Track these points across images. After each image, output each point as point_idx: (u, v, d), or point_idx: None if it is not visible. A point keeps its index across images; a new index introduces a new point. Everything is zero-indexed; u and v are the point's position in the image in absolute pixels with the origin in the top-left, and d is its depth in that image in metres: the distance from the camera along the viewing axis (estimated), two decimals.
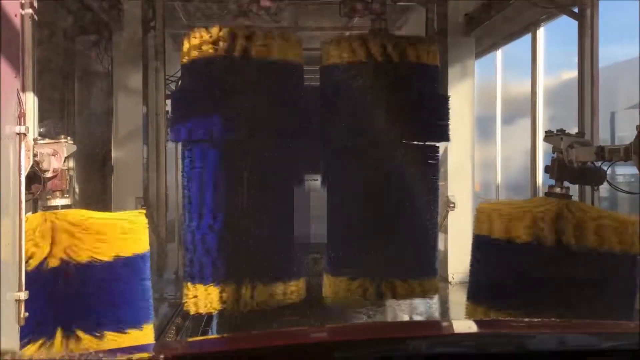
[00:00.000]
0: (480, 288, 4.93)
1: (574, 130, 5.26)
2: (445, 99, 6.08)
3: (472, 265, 5.07)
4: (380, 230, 5.67)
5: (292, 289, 5.68)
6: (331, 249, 5.96)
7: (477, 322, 2.93)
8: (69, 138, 4.39)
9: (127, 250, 4.16)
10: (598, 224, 4.40)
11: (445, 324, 3.66)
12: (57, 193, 4.29)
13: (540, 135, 7.88)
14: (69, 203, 4.35)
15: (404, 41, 5.74)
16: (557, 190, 4.66)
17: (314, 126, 5.82)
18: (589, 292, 4.29)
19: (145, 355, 1.72)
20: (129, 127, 7.66)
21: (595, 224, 4.40)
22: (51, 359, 1.56)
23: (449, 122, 5.92)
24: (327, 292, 5.91)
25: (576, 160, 4.61)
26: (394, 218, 5.67)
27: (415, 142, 5.91)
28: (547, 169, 4.84)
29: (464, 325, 2.71)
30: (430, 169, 5.91)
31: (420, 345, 1.54)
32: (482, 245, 4.87)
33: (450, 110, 5.99)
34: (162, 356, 1.67)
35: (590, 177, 4.73)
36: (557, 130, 4.75)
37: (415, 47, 5.69)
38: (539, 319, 2.06)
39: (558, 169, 4.69)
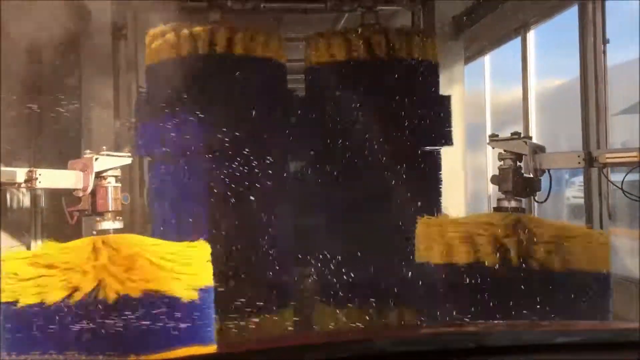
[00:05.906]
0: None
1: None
2: (447, 99, 5.64)
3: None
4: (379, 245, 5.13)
5: (274, 322, 5.08)
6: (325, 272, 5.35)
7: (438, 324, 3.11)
8: (124, 150, 3.94)
9: (189, 285, 3.48)
10: (563, 239, 3.90)
11: (410, 327, 3.72)
12: (108, 215, 3.72)
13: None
14: (121, 227, 3.77)
15: (402, 35, 5.32)
16: (512, 203, 4.10)
17: (299, 133, 5.35)
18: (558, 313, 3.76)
19: None
20: (100, 141, 7.17)
21: (558, 238, 3.90)
22: None
23: (451, 124, 5.51)
24: (320, 323, 5.31)
25: (542, 168, 4.08)
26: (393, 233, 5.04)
27: (419, 148, 5.48)
28: (494, 179, 4.20)
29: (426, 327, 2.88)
30: (433, 177, 5.46)
31: (384, 345, 1.64)
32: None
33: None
34: None
35: (533, 187, 4.19)
36: (512, 134, 4.16)
37: (412, 41, 5.29)
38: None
39: (514, 178, 4.10)
